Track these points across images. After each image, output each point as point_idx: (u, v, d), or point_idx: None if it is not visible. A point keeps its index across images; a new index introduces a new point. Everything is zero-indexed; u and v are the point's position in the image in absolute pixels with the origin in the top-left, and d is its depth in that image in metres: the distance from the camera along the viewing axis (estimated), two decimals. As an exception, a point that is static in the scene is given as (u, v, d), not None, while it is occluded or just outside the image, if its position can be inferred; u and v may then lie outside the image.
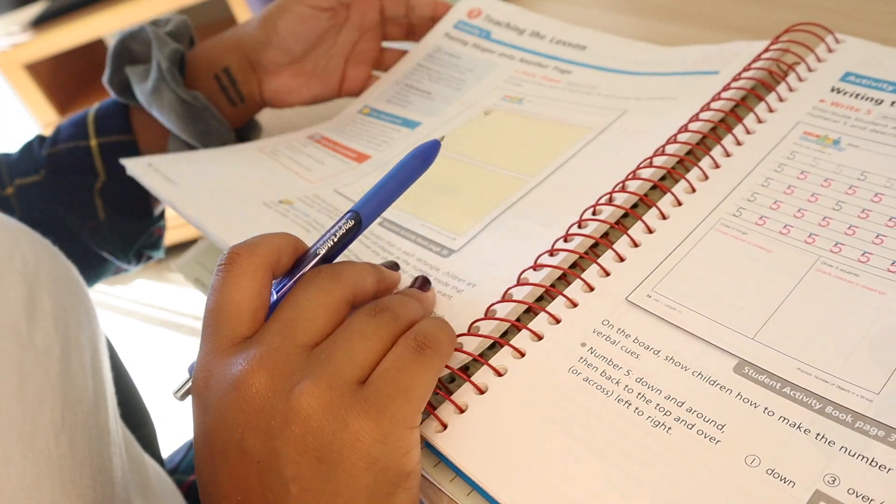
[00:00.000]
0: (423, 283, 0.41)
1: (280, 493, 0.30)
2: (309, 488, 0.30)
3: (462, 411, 0.35)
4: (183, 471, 0.69)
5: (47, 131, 2.06)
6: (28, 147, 0.68)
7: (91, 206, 0.63)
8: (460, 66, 0.66)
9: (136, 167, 0.57)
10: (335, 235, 0.38)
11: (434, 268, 0.44)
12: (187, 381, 0.37)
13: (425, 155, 0.41)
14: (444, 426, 0.35)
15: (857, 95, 0.43)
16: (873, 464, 0.30)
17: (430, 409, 0.36)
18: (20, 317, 0.39)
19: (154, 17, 0.68)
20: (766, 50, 0.48)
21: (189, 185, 0.54)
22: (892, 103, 0.42)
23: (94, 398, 0.42)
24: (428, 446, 0.35)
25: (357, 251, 0.47)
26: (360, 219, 0.39)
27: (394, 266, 0.43)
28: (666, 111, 0.49)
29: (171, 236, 2.34)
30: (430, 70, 0.68)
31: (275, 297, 0.37)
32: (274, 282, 0.36)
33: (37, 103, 1.98)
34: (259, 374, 0.31)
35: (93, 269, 0.71)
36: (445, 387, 0.38)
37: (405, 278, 0.43)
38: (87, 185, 0.65)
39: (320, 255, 0.38)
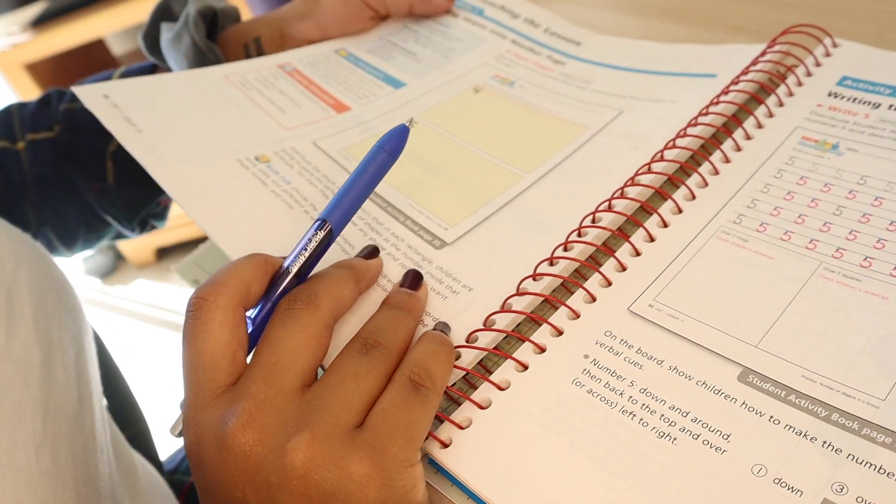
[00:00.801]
0: (413, 282, 0.40)
1: None
2: None
3: (464, 428, 0.35)
4: (184, 471, 0.69)
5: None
6: (45, 100, 0.66)
7: (101, 169, 0.61)
8: (449, 35, 0.64)
9: (91, 98, 0.51)
10: (306, 249, 0.37)
11: (427, 259, 0.43)
12: (180, 416, 0.35)
13: (393, 144, 0.38)
14: (447, 445, 0.35)
15: (855, 100, 0.43)
16: (881, 471, 0.30)
17: (430, 433, 0.35)
18: None
19: None
20: (764, 53, 0.48)
21: (155, 134, 0.49)
22: (890, 107, 0.42)
23: (79, 403, 0.41)
24: (430, 461, 0.35)
25: (345, 231, 0.45)
26: (330, 228, 0.37)
27: (372, 253, 0.41)
28: (664, 114, 0.49)
29: (170, 236, 2.34)
30: (416, 32, 0.66)
31: (251, 326, 0.35)
32: (249, 311, 0.35)
33: (36, 103, 1.97)
34: (250, 431, 0.30)
35: (94, 231, 0.68)
36: (451, 397, 0.37)
37: (396, 266, 0.42)
38: (100, 147, 0.63)
39: (293, 273, 0.36)
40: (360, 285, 0.38)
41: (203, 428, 0.31)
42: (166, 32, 0.62)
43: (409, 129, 0.39)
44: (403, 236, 0.44)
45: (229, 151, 0.48)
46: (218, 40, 0.64)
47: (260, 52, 0.62)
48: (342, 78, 0.59)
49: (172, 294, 2.35)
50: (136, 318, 2.26)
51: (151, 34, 0.64)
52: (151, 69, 0.67)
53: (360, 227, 0.45)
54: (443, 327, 0.39)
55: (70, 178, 0.63)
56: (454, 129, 0.52)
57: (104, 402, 0.38)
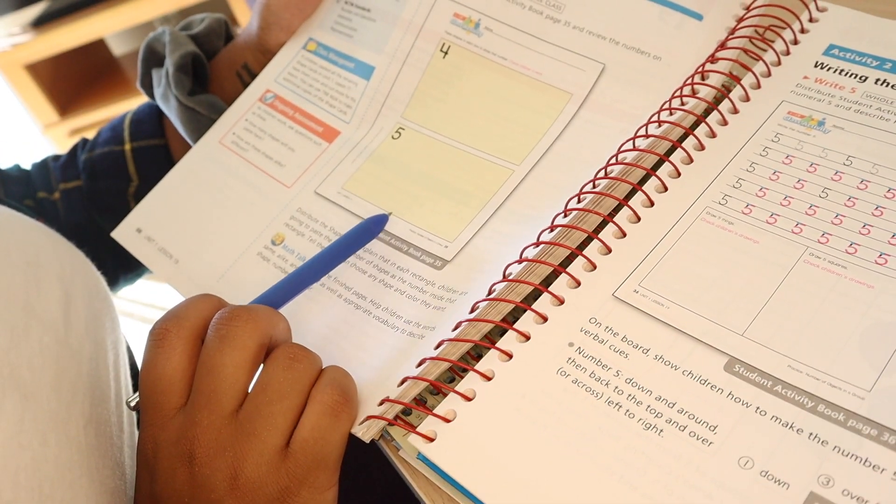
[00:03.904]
0: None
1: None
2: None
3: (449, 421, 0.35)
4: None
5: (47, 132, 1.98)
6: (73, 151, 0.69)
7: (125, 211, 0.62)
8: None
9: (128, 238, 0.55)
10: None
11: (430, 283, 0.43)
12: (136, 393, 0.39)
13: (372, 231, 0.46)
14: (432, 439, 0.34)
15: (841, 71, 0.42)
16: (867, 464, 0.30)
17: (412, 429, 0.35)
18: (58, 316, 0.42)
19: (189, 18, 0.66)
20: (749, 10, 0.46)
21: (189, 260, 0.52)
22: (877, 80, 0.41)
23: (115, 398, 0.44)
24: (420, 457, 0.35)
25: (353, 278, 0.45)
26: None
27: None
28: (650, 80, 0.46)
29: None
30: None
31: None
32: None
33: (37, 103, 1.97)
34: (196, 456, 0.35)
35: (132, 270, 0.70)
36: (449, 382, 0.37)
37: (404, 300, 0.43)
38: (122, 190, 0.66)
39: None
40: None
41: (160, 446, 0.37)
42: (156, 88, 0.62)
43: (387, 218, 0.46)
44: (408, 266, 0.44)
45: (252, 246, 0.50)
46: (210, 69, 0.64)
47: (252, 76, 0.62)
48: (321, 88, 0.57)
49: (173, 295, 2.30)
50: (136, 319, 2.23)
51: (146, 82, 0.64)
52: (159, 110, 0.67)
53: (367, 270, 0.45)
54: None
55: (99, 226, 0.65)
56: (439, 126, 0.50)
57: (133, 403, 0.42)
